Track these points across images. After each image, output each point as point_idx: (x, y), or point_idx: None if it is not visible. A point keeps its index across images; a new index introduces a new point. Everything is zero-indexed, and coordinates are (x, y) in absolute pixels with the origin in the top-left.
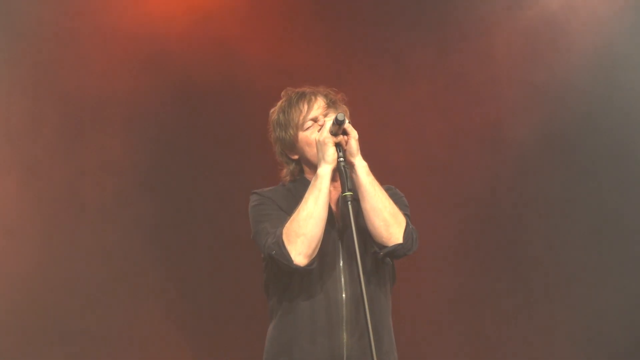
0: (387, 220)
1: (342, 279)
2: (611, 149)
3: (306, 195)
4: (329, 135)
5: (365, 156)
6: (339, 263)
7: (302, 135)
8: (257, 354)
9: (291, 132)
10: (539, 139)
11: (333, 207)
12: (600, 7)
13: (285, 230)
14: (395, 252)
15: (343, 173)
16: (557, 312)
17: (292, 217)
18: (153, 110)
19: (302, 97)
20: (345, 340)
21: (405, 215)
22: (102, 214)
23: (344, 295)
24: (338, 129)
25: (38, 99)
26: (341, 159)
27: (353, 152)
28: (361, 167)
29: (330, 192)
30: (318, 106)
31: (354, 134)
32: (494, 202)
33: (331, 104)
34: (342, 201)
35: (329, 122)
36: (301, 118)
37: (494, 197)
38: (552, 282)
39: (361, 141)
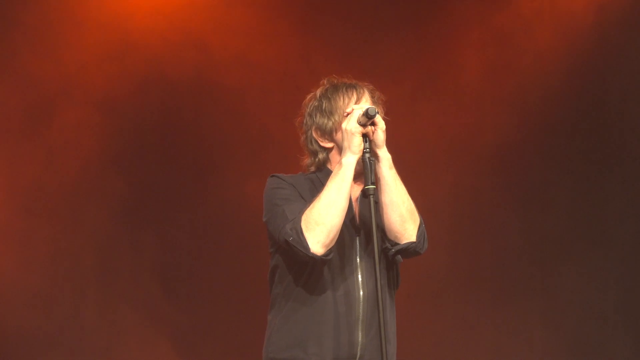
0: (404, 215)
1: (360, 277)
2: (586, 150)
3: (328, 183)
4: (357, 125)
5: None
6: (356, 259)
7: None
8: (235, 330)
9: (336, 118)
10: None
11: (354, 202)
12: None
13: (304, 217)
14: (408, 249)
15: (367, 165)
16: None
17: (312, 204)
18: (122, 99)
19: (350, 87)
20: (360, 339)
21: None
22: (65, 199)
23: (361, 293)
24: (367, 120)
25: (4, 84)
26: (367, 150)
27: (379, 144)
28: (385, 160)
29: (352, 185)
30: (365, 99)
31: (381, 124)
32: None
33: (375, 102)
34: (362, 195)
35: (357, 111)
36: (349, 106)
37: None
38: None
39: None
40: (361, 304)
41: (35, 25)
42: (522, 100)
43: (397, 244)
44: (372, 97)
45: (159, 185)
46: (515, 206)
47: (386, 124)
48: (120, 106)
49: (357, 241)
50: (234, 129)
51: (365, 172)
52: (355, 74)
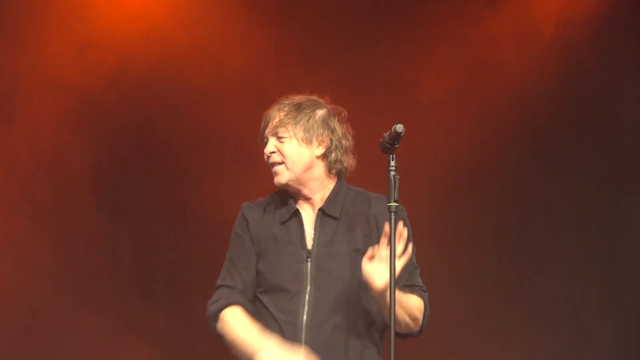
0: (408, 326)
1: (306, 303)
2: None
3: (241, 343)
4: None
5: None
6: (306, 285)
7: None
8: None
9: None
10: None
11: (309, 224)
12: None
13: (219, 327)
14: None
15: (392, 183)
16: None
17: (229, 333)
18: (88, 96)
19: (266, 115)
20: None
21: (421, 290)
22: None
23: (304, 318)
24: (395, 139)
25: None
26: (392, 168)
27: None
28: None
29: (303, 210)
30: (269, 128)
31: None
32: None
33: (282, 126)
34: (320, 214)
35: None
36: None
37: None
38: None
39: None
40: (303, 330)
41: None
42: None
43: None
44: (281, 124)
45: (137, 188)
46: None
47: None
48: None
49: (308, 266)
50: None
51: (390, 190)
52: (324, 82)
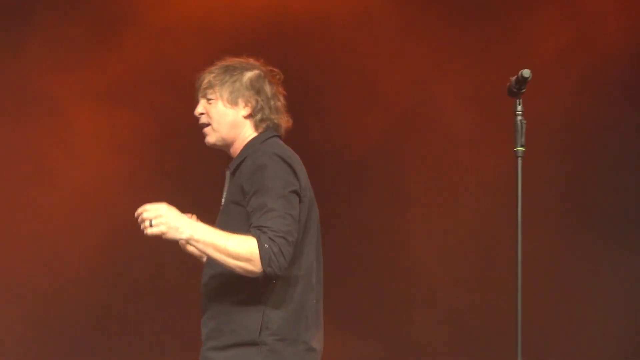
0: (240, 268)
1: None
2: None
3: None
4: None
5: None
6: None
7: None
8: None
9: None
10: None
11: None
12: None
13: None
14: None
15: (519, 128)
16: None
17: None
18: None
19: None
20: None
21: (257, 229)
22: None
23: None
24: (522, 84)
25: None
26: (519, 112)
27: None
28: (193, 244)
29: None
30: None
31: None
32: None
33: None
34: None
35: None
36: None
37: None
38: None
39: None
40: (202, 284)
41: None
42: None
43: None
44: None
45: None
46: None
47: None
48: None
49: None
50: None
51: (516, 134)
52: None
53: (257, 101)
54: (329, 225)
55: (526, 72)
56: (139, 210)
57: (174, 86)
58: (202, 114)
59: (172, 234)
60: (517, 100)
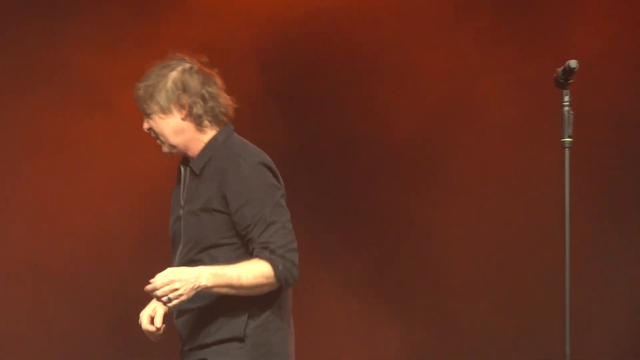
0: (262, 292)
1: (174, 260)
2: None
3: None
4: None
5: None
6: (179, 242)
7: None
8: None
9: None
10: None
11: (183, 181)
12: None
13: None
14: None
15: (566, 118)
16: None
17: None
18: None
19: None
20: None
21: (264, 248)
22: None
23: None
24: (569, 74)
25: None
26: (567, 103)
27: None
28: (207, 288)
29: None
30: None
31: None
32: None
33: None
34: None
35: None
36: None
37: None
38: None
39: None
40: None
41: None
42: None
43: None
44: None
45: None
46: None
47: None
48: None
49: (180, 224)
50: None
51: (563, 125)
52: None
53: (187, 99)
54: (369, 213)
55: (573, 63)
56: (149, 287)
57: (221, 70)
58: (149, 129)
59: (191, 295)
60: (564, 90)
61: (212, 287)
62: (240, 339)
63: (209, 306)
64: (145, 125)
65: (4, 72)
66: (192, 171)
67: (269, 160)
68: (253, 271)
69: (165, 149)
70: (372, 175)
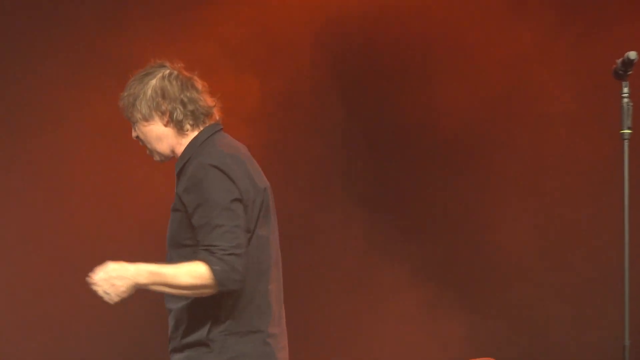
0: (200, 294)
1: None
2: None
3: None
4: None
5: None
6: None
7: None
8: None
9: None
10: None
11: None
12: None
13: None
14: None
15: (625, 109)
16: None
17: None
18: None
19: None
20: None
21: (205, 249)
22: None
23: None
24: (628, 66)
25: None
26: (626, 94)
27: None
28: (144, 285)
29: None
30: None
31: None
32: None
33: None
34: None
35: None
36: None
37: None
38: None
39: None
40: None
41: None
42: None
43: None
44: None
45: None
46: None
47: None
48: None
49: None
50: None
51: (623, 116)
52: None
53: (167, 106)
54: (428, 204)
55: (632, 54)
56: (90, 280)
57: (276, 57)
58: (137, 137)
59: (132, 292)
60: (623, 82)
61: (149, 284)
62: (206, 344)
63: (181, 308)
64: (133, 134)
65: (68, 64)
66: (176, 173)
67: (226, 162)
68: (190, 272)
69: (155, 157)
70: (430, 165)
